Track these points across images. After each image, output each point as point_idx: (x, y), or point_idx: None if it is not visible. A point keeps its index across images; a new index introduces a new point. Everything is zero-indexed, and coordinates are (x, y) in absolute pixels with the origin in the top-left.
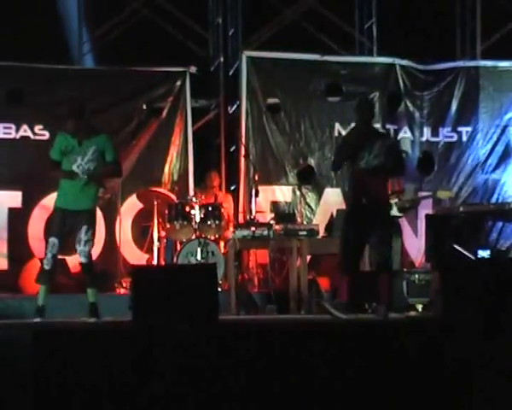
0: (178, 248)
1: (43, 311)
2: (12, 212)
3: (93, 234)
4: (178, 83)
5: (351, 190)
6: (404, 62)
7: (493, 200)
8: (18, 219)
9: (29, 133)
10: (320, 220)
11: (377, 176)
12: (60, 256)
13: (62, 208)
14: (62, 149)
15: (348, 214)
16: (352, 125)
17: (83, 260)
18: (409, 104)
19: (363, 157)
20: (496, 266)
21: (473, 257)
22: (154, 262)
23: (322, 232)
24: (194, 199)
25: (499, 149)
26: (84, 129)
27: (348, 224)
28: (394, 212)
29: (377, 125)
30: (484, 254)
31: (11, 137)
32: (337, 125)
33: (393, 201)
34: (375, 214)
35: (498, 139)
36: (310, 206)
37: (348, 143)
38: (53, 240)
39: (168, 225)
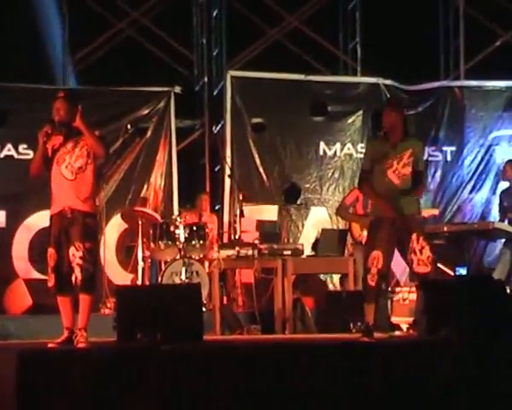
0: (163, 267)
1: None
2: None
3: None
4: (163, 103)
5: None
6: (389, 82)
7: (477, 219)
8: (1, 238)
9: (13, 152)
10: (306, 239)
11: None
12: (43, 277)
13: None
14: None
15: None
16: None
17: None
18: None
19: None
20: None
21: (454, 275)
22: (139, 282)
23: (307, 251)
24: (178, 219)
25: (484, 168)
26: None
27: None
28: None
29: (361, 145)
30: (462, 271)
31: None
32: (322, 145)
33: None
34: None
35: (483, 159)
36: (296, 225)
37: None
38: None
39: (152, 245)
